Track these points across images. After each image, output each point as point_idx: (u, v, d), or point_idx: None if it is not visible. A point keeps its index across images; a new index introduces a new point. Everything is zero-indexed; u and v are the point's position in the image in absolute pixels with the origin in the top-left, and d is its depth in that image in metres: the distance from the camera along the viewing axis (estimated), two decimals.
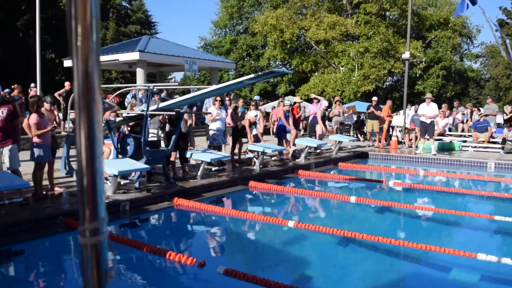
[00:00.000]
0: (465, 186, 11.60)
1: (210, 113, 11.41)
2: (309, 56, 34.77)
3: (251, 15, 40.15)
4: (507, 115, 17.81)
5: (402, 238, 6.82)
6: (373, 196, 10.05)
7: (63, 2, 29.75)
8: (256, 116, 12.17)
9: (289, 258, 6.30)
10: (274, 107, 15.96)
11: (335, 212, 9.32)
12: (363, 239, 6.38)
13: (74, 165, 8.09)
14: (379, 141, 17.58)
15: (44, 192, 7.72)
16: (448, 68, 35.23)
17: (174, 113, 9.24)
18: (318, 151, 14.95)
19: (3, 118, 7.14)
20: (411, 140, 17.61)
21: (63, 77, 29.87)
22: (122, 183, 8.35)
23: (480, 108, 20.26)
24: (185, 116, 10.06)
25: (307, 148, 13.46)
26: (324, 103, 15.59)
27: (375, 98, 18.21)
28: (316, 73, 34.23)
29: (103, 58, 23.45)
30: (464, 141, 17.19)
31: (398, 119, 18.19)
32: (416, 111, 17.05)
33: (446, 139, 17.37)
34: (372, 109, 17.61)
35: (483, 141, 16.71)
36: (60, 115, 13.30)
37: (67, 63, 23.94)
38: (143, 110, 8.87)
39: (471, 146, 16.77)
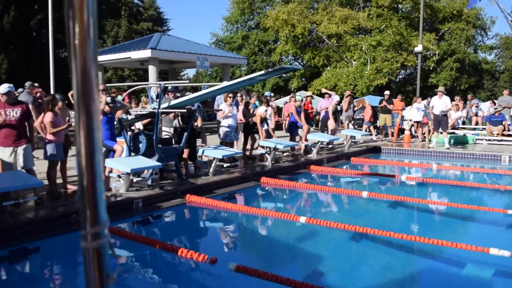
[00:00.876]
0: (479, 180, 11.50)
1: (221, 109, 11.45)
2: (321, 51, 34.63)
3: (263, 10, 40.10)
4: None
5: (415, 233, 6.80)
6: (386, 191, 10.03)
7: None
8: (266, 111, 12.17)
9: (300, 254, 6.32)
10: (286, 102, 15.92)
11: (347, 208, 9.31)
12: (376, 234, 6.37)
13: None
14: (392, 135, 17.49)
15: (58, 191, 7.82)
16: (462, 60, 34.86)
17: (185, 110, 9.29)
18: (330, 146, 14.92)
19: (17, 118, 7.23)
20: (424, 134, 17.50)
21: None
22: (135, 180, 8.43)
23: (495, 101, 20.01)
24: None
25: (319, 143, 13.44)
26: (336, 97, 15.55)
27: (387, 92, 18.11)
28: (329, 68, 34.11)
29: (115, 56, 23.63)
30: (477, 134, 17.03)
31: (410, 113, 18.05)
32: (428, 104, 16.91)
33: (460, 132, 17.23)
34: (384, 103, 17.52)
35: (497, 134, 16.55)
36: (72, 113, 13.39)
37: None
38: (154, 108, 8.93)
39: (485, 139, 16.61)
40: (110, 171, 8.43)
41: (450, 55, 34.36)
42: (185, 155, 10.05)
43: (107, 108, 8.41)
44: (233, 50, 37.90)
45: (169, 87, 11.69)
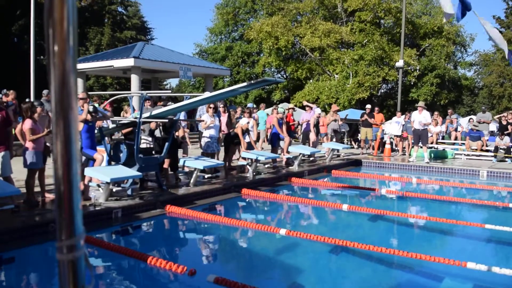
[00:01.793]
0: (458, 194, 11.64)
1: (203, 120, 11.42)
2: (304, 63, 34.90)
3: (247, 22, 40.27)
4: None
5: (394, 247, 6.83)
6: (366, 204, 10.08)
7: None
8: (248, 123, 12.18)
9: (280, 267, 6.30)
10: (268, 114, 15.96)
11: (328, 220, 9.33)
12: (355, 248, 6.39)
13: None
14: (373, 149, 17.63)
15: (36, 199, 7.69)
16: (442, 76, 35.41)
17: (167, 120, 9.25)
18: (311, 158, 14.98)
19: None
20: (404, 148, 17.68)
21: None
22: (114, 190, 8.34)
23: (473, 117, 20.34)
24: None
25: (301, 155, 13.48)
26: (317, 110, 15.63)
27: (368, 106, 18.28)
28: (311, 80, 34.35)
29: (97, 64, 23.47)
30: (456, 149, 17.27)
31: (390, 127, 18.24)
32: (408, 119, 17.11)
33: (439, 147, 17.45)
34: (365, 117, 17.68)
35: (476, 149, 16.80)
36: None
37: None
38: (136, 117, 8.87)
39: (464, 154, 16.85)
40: (90, 180, 8.33)
41: (430, 71, 34.88)
42: (165, 165, 9.99)
43: (89, 117, 8.32)
44: (216, 61, 37.95)
45: (146, 96, 11.63)
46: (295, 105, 26.26)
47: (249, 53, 39.83)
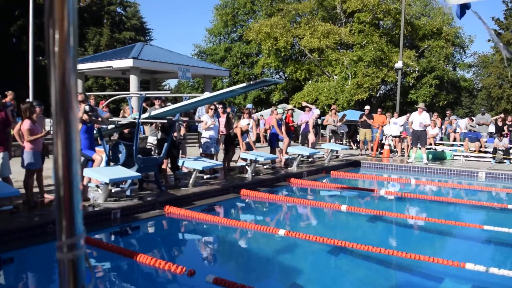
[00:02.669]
0: (456, 196, 11.64)
1: (202, 121, 11.42)
2: (303, 64, 34.89)
3: (246, 23, 40.27)
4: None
5: (393, 248, 6.83)
6: (365, 205, 10.08)
7: None
8: (248, 124, 12.18)
9: (279, 267, 6.30)
10: (262, 115, 15.99)
11: (326, 221, 9.33)
12: (354, 248, 6.39)
13: None
14: (372, 150, 17.64)
15: (34, 200, 7.68)
16: (441, 77, 35.40)
17: (166, 121, 9.25)
18: (310, 159, 14.98)
19: None
20: (403, 149, 17.69)
21: None
22: (113, 190, 8.32)
23: (473, 118, 20.34)
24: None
25: (299, 156, 13.48)
26: (316, 111, 15.64)
27: (367, 107, 18.31)
28: (310, 81, 34.33)
29: (96, 64, 23.47)
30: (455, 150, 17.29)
31: (389, 128, 18.26)
32: (407, 120, 17.13)
33: (438, 148, 17.46)
34: (364, 117, 17.69)
35: (474, 151, 16.81)
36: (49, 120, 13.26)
37: None
38: (135, 118, 8.87)
39: (463, 156, 16.86)
40: (89, 181, 8.32)
41: (429, 72, 34.88)
42: (164, 166, 9.99)
43: (85, 117, 8.27)
44: (215, 62, 37.95)
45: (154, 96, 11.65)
46: (294, 106, 26.27)
47: (248, 54, 39.82)
